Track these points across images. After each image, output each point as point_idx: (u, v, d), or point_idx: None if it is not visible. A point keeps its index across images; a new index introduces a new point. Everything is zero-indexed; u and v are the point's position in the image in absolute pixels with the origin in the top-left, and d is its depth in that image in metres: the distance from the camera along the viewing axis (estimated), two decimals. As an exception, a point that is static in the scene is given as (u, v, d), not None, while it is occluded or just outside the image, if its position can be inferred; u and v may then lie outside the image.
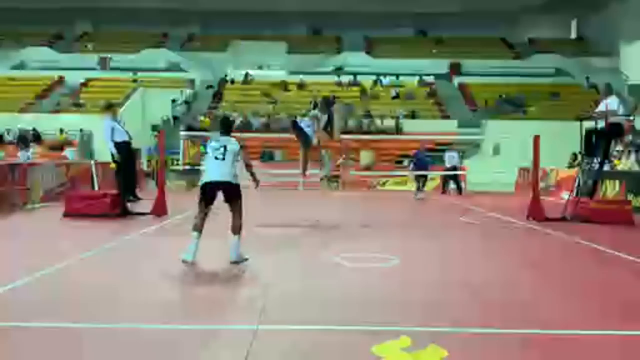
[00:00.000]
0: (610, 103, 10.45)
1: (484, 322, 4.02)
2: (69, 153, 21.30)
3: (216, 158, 6.08)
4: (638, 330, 3.92)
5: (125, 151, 10.67)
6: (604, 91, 11.11)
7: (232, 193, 6.09)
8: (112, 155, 10.50)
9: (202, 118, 26.46)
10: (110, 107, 11.04)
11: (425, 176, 16.76)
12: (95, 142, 23.18)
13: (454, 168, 18.35)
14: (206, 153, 6.34)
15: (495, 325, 3.92)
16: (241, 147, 6.35)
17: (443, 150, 22.22)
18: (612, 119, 10.29)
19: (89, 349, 3.46)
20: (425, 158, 16.73)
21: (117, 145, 10.46)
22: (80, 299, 4.54)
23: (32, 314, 4.10)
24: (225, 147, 6.11)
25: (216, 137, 6.37)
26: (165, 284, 5.13)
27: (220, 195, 6.06)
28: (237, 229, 6.03)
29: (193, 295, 4.70)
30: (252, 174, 6.58)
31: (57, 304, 4.39)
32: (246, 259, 5.98)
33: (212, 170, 6.11)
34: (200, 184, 6.33)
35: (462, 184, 18.71)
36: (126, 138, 10.63)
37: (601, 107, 10.64)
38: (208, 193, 6.11)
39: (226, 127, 6.53)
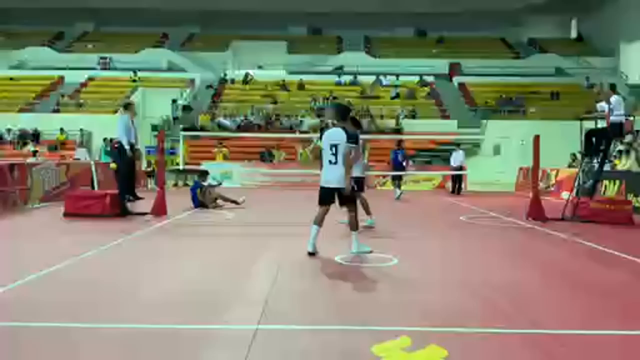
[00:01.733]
0: (611, 102, 10.44)
1: (484, 322, 4.01)
2: (79, 154, 21.22)
3: (330, 162, 6.30)
4: (638, 330, 3.92)
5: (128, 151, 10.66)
6: (606, 91, 11.13)
7: (344, 197, 6.37)
8: (118, 154, 10.45)
9: (202, 116, 26.45)
10: (128, 106, 10.99)
11: (400, 176, 16.28)
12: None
13: (460, 168, 18.34)
14: (323, 149, 6.43)
15: (495, 325, 3.92)
16: (350, 136, 6.30)
17: (444, 151, 22.23)
18: (612, 119, 10.29)
19: (89, 349, 3.46)
20: (397, 157, 16.16)
21: (121, 145, 10.43)
22: (80, 299, 4.54)
23: (32, 314, 4.10)
24: (336, 146, 6.24)
25: (332, 129, 6.46)
26: (165, 284, 5.13)
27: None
28: (353, 226, 6.49)
29: (193, 295, 4.70)
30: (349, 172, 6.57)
31: (57, 304, 4.39)
32: (369, 251, 6.44)
33: (326, 173, 6.37)
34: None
35: (463, 184, 18.71)
36: (132, 140, 10.62)
37: (603, 107, 10.64)
38: (324, 196, 6.41)
39: (340, 115, 6.51)
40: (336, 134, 6.33)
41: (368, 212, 9.13)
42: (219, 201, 12.27)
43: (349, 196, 6.40)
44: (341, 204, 6.46)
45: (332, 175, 6.32)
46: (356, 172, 7.44)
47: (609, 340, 3.74)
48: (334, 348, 3.48)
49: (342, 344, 3.54)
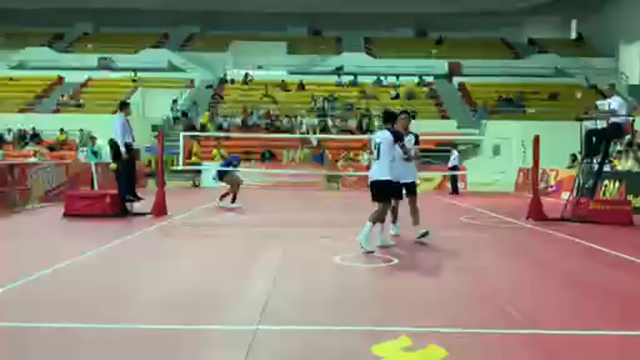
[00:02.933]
0: (612, 103, 10.44)
1: (484, 322, 4.02)
2: (81, 154, 21.11)
3: (375, 159, 6.93)
4: (638, 330, 3.92)
5: (127, 152, 10.65)
6: (607, 91, 11.14)
7: (378, 192, 6.81)
8: (120, 153, 10.43)
9: (204, 113, 26.40)
10: (124, 106, 10.96)
11: None
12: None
13: (454, 168, 18.36)
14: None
15: (495, 326, 3.92)
16: (394, 135, 6.72)
17: (443, 151, 22.18)
18: (612, 119, 10.29)
19: (89, 349, 3.46)
20: None
21: (117, 145, 10.43)
22: (80, 299, 4.54)
23: (32, 314, 4.10)
24: (379, 145, 6.77)
25: (380, 131, 7.02)
26: (165, 284, 5.13)
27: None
28: (372, 217, 6.76)
29: (193, 295, 4.70)
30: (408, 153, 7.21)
31: (57, 304, 4.39)
32: (370, 251, 6.57)
33: (372, 169, 7.00)
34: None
35: (459, 185, 18.72)
36: (130, 139, 10.61)
37: (603, 104, 10.65)
38: (372, 191, 6.91)
39: (385, 118, 7.10)
40: (380, 134, 6.95)
41: (394, 219, 8.30)
42: (225, 201, 12.33)
43: (384, 192, 6.81)
44: (375, 198, 6.85)
45: (374, 171, 6.89)
46: (404, 178, 7.43)
47: (609, 340, 3.74)
48: (333, 348, 3.48)
49: (342, 344, 3.54)
